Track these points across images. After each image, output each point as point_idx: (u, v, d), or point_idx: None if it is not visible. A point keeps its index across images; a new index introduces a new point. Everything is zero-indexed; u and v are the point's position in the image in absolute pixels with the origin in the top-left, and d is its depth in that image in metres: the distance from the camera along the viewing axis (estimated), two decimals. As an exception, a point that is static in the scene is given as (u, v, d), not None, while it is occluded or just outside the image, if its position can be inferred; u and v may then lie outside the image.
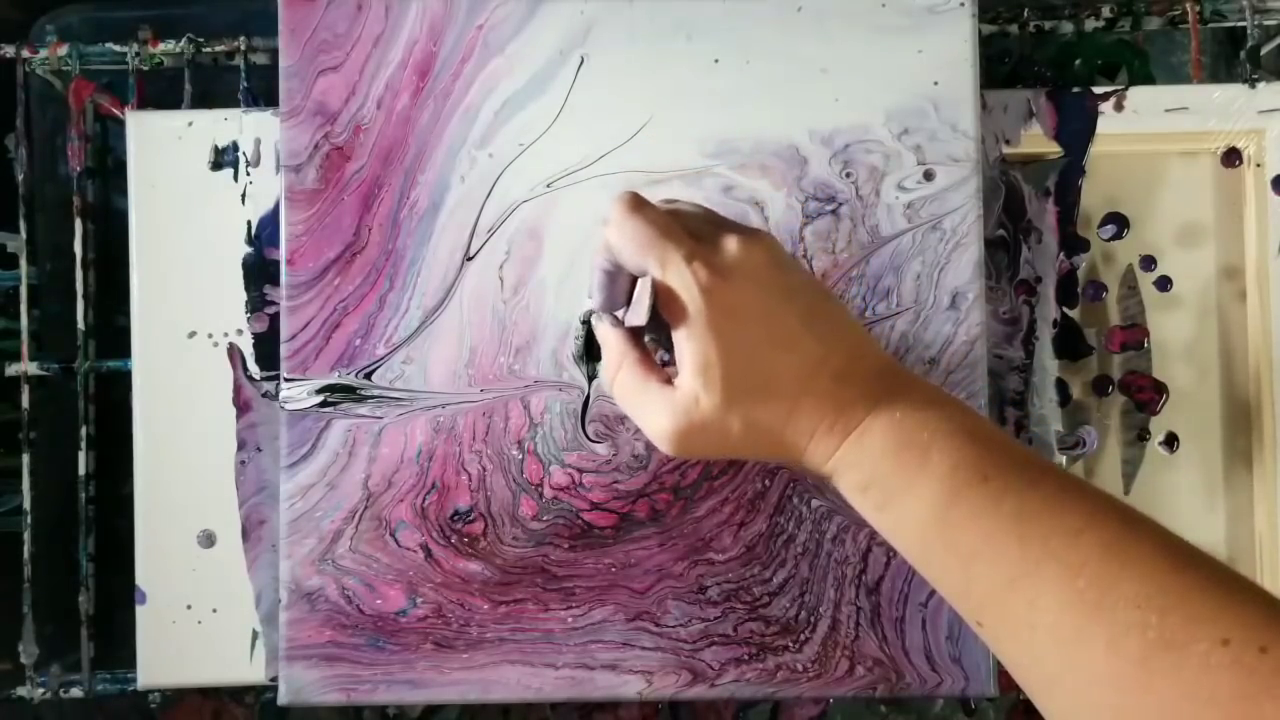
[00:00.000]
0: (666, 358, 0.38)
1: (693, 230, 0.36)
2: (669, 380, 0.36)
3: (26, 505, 0.55)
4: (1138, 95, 0.53)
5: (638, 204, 0.35)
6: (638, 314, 0.36)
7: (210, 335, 0.52)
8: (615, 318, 0.38)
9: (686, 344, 0.34)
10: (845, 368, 0.35)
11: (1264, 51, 0.54)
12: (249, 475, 0.52)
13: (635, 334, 0.38)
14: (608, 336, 0.38)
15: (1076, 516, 0.31)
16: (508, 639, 0.48)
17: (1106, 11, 0.55)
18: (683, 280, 0.34)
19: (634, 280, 0.38)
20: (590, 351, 0.48)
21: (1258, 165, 0.53)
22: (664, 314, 0.35)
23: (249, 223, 0.52)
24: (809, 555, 0.48)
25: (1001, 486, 0.32)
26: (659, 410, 0.35)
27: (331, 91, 0.49)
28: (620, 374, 0.37)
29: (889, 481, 0.34)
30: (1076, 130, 0.53)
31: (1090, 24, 0.55)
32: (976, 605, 0.32)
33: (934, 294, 0.49)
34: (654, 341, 0.39)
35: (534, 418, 0.49)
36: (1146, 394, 0.53)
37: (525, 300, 0.49)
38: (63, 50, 0.55)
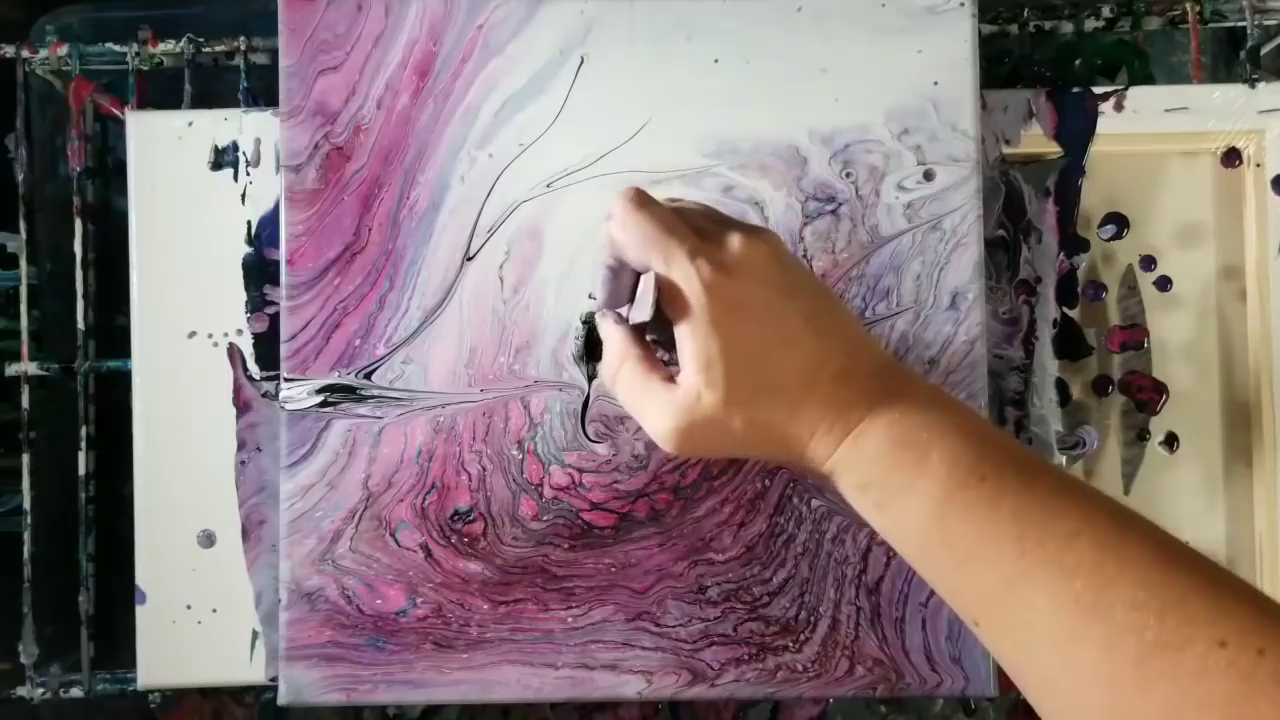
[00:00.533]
0: (667, 358, 0.38)
1: (697, 227, 0.36)
2: (671, 378, 0.35)
3: (26, 505, 0.55)
4: (1138, 95, 0.53)
5: (642, 200, 0.35)
6: (641, 311, 0.36)
7: (210, 335, 0.52)
8: (619, 315, 0.38)
9: (689, 341, 0.34)
10: (846, 367, 0.35)
11: (1264, 51, 0.54)
12: (249, 475, 0.52)
13: (637, 331, 0.37)
14: (610, 333, 0.38)
15: (1073, 518, 0.31)
16: (508, 639, 0.48)
17: (1106, 11, 0.55)
18: (686, 276, 0.34)
19: (637, 277, 0.37)
20: (591, 351, 0.49)
21: (1258, 165, 0.53)
22: (667, 310, 0.35)
23: (249, 223, 0.52)
24: (809, 555, 0.48)
25: (999, 487, 0.32)
26: (660, 408, 0.35)
27: (331, 91, 0.49)
28: (622, 371, 0.37)
29: (888, 481, 0.34)
30: (1076, 130, 0.53)
31: (1090, 24, 0.55)
32: (974, 605, 0.32)
33: (934, 294, 0.49)
34: (656, 341, 0.39)
35: (534, 418, 0.49)
36: (1146, 394, 0.53)
37: (525, 300, 0.49)
38: (63, 50, 0.55)
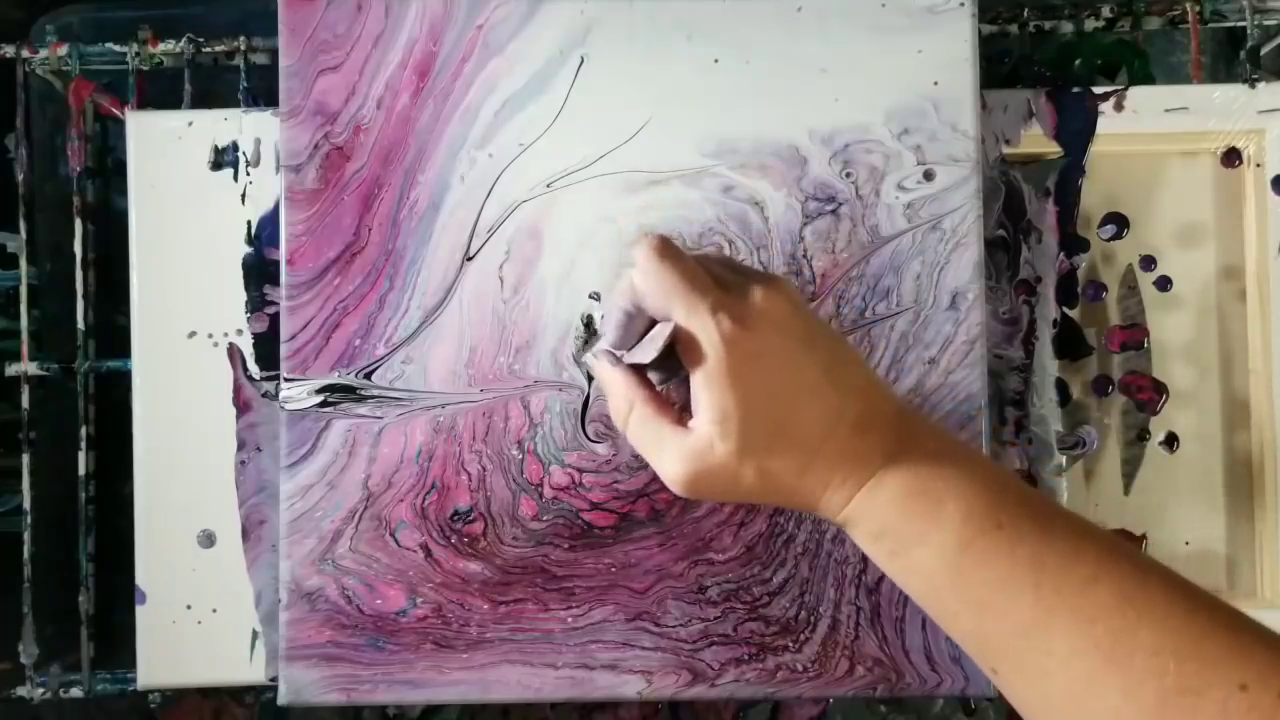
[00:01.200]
0: (672, 395, 0.38)
1: (716, 277, 0.36)
2: (681, 421, 0.36)
3: (26, 505, 0.55)
4: (1138, 95, 0.53)
5: (665, 249, 0.35)
6: (643, 353, 0.36)
7: (210, 335, 0.52)
8: (613, 355, 0.38)
9: (705, 392, 0.34)
10: (862, 418, 0.35)
11: (1264, 51, 0.54)
12: (249, 475, 0.52)
13: (640, 372, 0.37)
14: (612, 377, 0.38)
15: (1089, 563, 0.31)
16: (508, 639, 0.48)
17: (1106, 11, 0.55)
18: (706, 329, 0.34)
19: (651, 323, 0.37)
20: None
21: (1258, 165, 0.53)
22: (685, 360, 0.35)
23: (249, 223, 0.52)
24: (809, 555, 0.48)
25: (1015, 534, 0.32)
26: (672, 453, 0.35)
27: (331, 91, 0.49)
28: (633, 415, 0.37)
29: (902, 530, 0.34)
30: (1076, 130, 0.53)
31: (1090, 24, 0.55)
32: (991, 653, 0.33)
33: (934, 294, 0.49)
34: (663, 383, 0.38)
35: (534, 418, 0.49)
36: (1146, 394, 0.53)
37: (525, 300, 0.49)
38: (63, 50, 0.55)
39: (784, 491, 0.35)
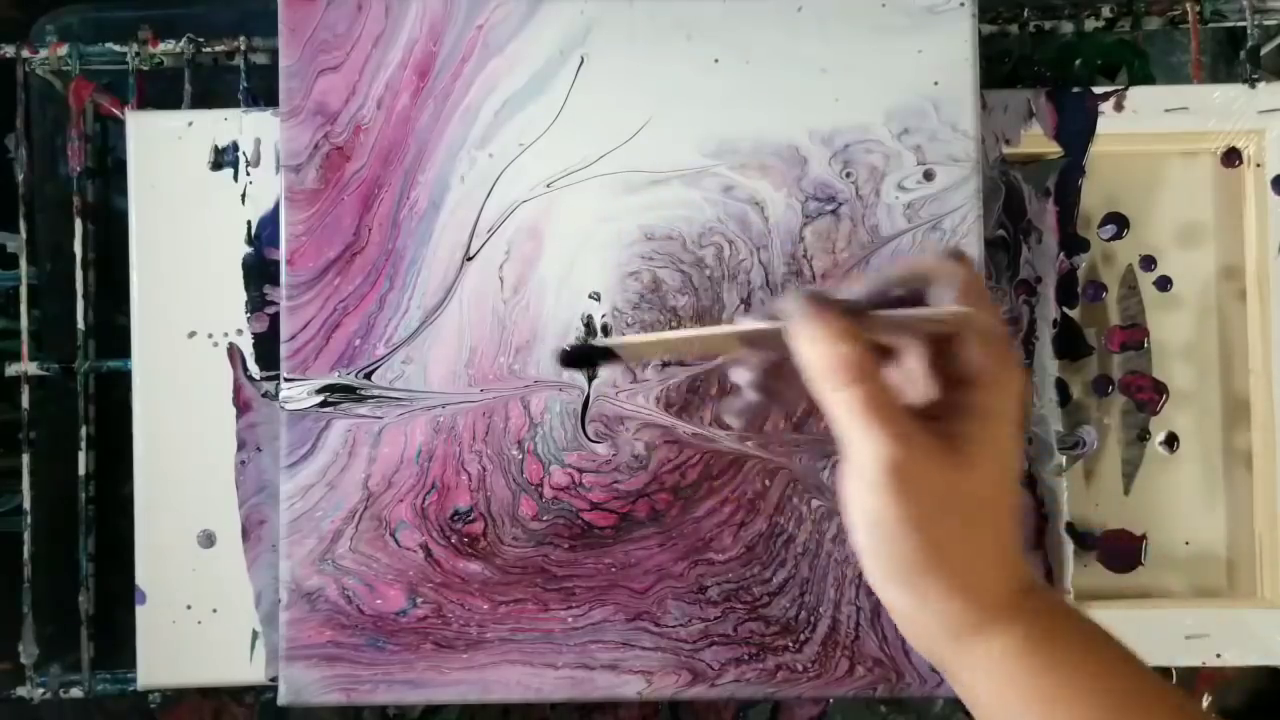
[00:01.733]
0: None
1: None
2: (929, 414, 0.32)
3: (26, 505, 0.55)
4: (1138, 95, 0.53)
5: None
6: (919, 317, 0.32)
7: (210, 335, 0.52)
8: (852, 305, 0.31)
9: (999, 398, 0.31)
10: None
11: (1264, 51, 0.54)
12: (249, 475, 0.52)
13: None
14: (854, 331, 0.30)
15: (1170, 687, 0.33)
16: (508, 639, 0.48)
17: (1106, 11, 0.55)
18: (1007, 348, 0.32)
19: (895, 304, 0.33)
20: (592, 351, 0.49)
21: (1258, 165, 0.53)
22: (979, 359, 0.31)
23: (249, 223, 0.52)
24: (809, 555, 0.48)
25: (1125, 650, 0.32)
26: (903, 430, 0.30)
27: (331, 91, 0.49)
28: (869, 382, 0.30)
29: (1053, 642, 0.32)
30: (1076, 130, 0.53)
31: (1090, 24, 0.55)
32: None
33: (934, 294, 0.49)
34: None
35: (534, 418, 0.49)
36: (1146, 394, 0.53)
37: (525, 300, 0.49)
38: (63, 50, 0.55)
39: (971, 540, 0.31)
